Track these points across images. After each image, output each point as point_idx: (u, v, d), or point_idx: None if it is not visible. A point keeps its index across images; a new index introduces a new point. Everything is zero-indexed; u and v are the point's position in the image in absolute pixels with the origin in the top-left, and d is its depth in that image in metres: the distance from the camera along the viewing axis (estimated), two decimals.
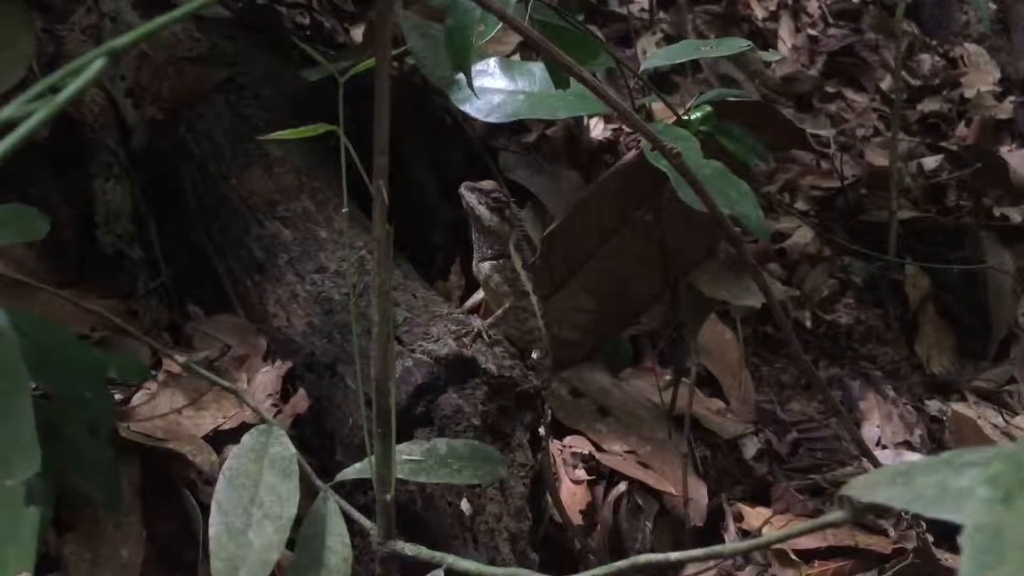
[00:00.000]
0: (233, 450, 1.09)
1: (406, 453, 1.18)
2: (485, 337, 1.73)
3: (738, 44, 1.94)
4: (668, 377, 2.50)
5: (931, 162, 3.60)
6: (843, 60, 4.59)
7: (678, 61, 2.01)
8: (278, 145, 2.17)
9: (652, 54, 2.29)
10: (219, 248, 2.13)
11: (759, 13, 4.54)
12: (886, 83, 4.49)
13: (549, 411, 1.82)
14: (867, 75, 4.59)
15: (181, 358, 1.78)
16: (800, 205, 3.12)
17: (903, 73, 4.51)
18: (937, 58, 4.82)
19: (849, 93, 4.40)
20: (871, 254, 2.93)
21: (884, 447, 2.63)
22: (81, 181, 2.22)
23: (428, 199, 2.51)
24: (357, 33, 2.91)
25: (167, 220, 2.26)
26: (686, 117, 2.06)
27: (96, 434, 1.49)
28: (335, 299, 1.91)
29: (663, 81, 3.61)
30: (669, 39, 3.96)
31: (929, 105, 4.38)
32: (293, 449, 1.11)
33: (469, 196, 1.77)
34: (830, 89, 4.32)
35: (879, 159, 3.48)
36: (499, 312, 1.77)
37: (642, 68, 1.97)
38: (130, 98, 2.31)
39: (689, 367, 2.33)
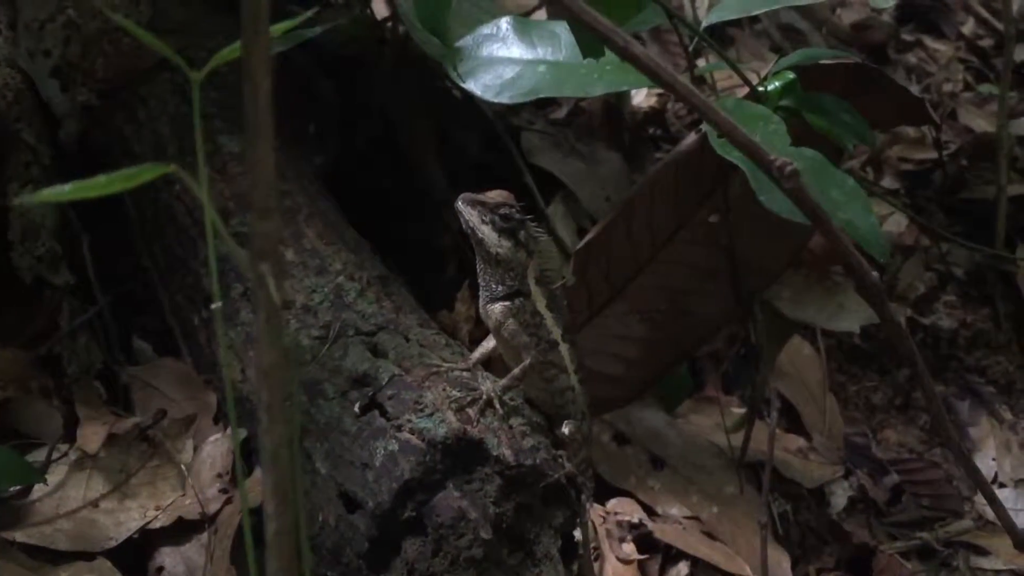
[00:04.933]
0: None
1: None
2: (497, 406, 1.26)
3: None
4: (736, 408, 2.02)
5: None
6: (919, 3, 4.02)
7: (754, 12, 1.50)
8: (234, 136, 1.70)
9: (712, 4, 1.78)
10: (162, 273, 1.67)
11: None
12: (969, 28, 3.92)
13: (588, 503, 1.34)
14: (947, 19, 4.03)
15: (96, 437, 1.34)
16: (888, 182, 2.59)
17: (987, 15, 3.95)
18: None
19: (929, 41, 3.84)
20: (974, 247, 2.40)
21: (1002, 485, 2.14)
22: None
23: (435, 194, 2.03)
24: None
25: (105, 236, 1.80)
26: (762, 88, 1.56)
27: None
28: (303, 345, 1.44)
29: (715, 36, 3.08)
30: None
31: (1022, 54, 3.80)
32: None
33: (469, 213, 1.28)
34: (907, 37, 3.77)
35: (976, 121, 2.93)
36: (516, 371, 1.30)
37: (704, 23, 1.46)
38: (56, 79, 1.85)
39: (768, 399, 1.85)
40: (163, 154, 1.71)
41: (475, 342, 1.58)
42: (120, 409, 1.59)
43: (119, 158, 1.79)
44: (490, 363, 1.44)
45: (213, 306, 0.69)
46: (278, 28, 0.71)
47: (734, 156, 1.41)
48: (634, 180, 2.15)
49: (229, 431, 1.47)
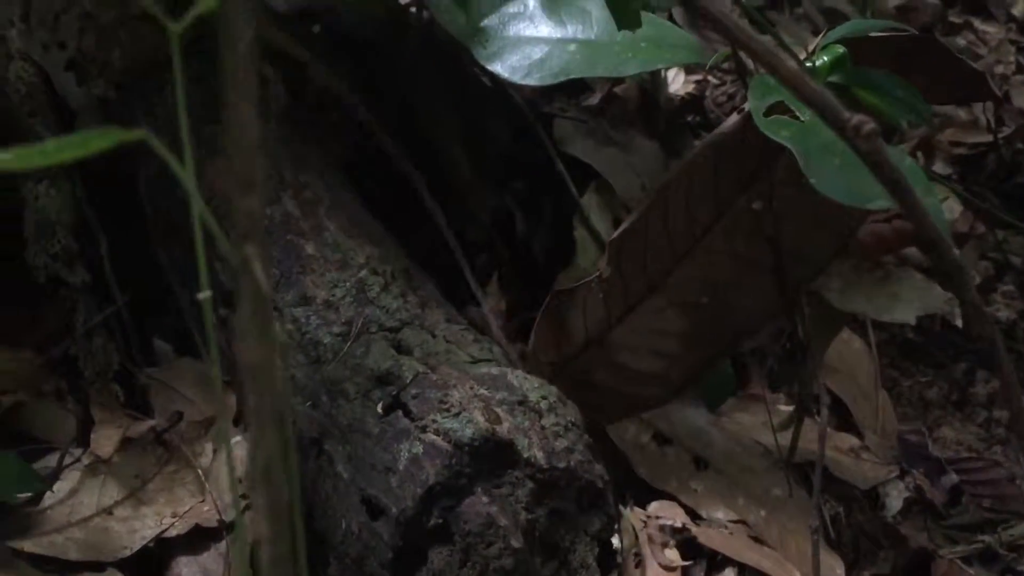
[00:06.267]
0: None
1: None
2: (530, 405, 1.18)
3: None
4: (782, 406, 1.92)
5: None
6: None
7: None
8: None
9: None
10: (180, 272, 1.61)
11: None
12: (1020, 8, 3.79)
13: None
14: (996, 0, 3.89)
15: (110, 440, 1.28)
16: (939, 168, 2.47)
17: None
18: None
19: (977, 23, 3.71)
20: None
21: None
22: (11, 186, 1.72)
23: (462, 185, 1.95)
24: None
25: (124, 233, 1.75)
26: (810, 63, 1.46)
27: None
28: (324, 343, 1.37)
29: (755, 20, 2.97)
30: None
31: None
32: None
33: None
34: (955, 19, 3.64)
35: None
36: None
37: None
38: (72, 72, 1.80)
39: (816, 395, 1.74)
40: (181, 147, 1.64)
41: (507, 337, 1.50)
42: (139, 412, 1.53)
43: (136, 151, 1.73)
44: (523, 359, 1.36)
45: (201, 296, 0.61)
46: None
47: (782, 136, 1.32)
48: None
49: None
